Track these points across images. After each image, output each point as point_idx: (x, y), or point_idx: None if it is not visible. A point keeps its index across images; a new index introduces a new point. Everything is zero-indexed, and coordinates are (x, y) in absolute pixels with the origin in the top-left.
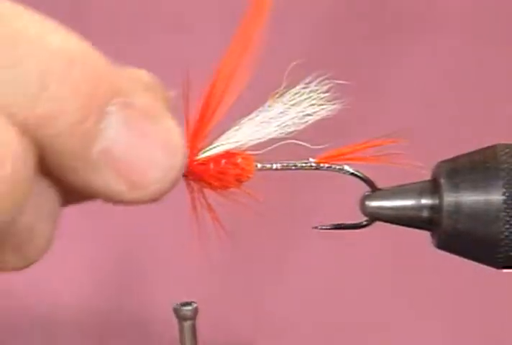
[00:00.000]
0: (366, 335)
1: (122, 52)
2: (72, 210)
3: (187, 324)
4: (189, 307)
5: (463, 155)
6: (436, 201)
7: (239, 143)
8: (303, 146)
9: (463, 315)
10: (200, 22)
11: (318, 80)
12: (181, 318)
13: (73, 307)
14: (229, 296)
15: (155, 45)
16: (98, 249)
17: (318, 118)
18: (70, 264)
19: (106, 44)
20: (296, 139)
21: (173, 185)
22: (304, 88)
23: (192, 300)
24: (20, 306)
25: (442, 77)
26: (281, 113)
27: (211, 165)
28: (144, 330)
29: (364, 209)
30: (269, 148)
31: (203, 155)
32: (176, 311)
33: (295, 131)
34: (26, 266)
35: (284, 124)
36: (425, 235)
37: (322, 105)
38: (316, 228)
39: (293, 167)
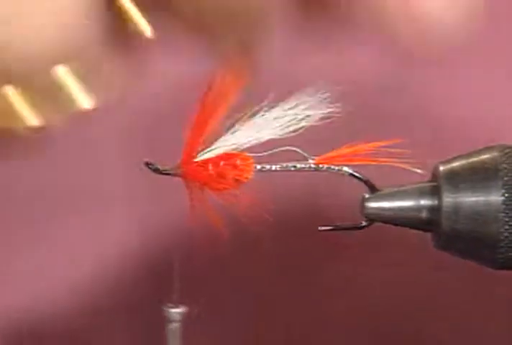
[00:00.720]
0: None
1: None
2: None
3: (173, 326)
4: (178, 310)
5: (462, 156)
6: (436, 202)
7: (238, 145)
8: (302, 147)
9: None
10: None
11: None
12: (169, 321)
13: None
14: (228, 298)
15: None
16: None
17: (315, 120)
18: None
19: None
20: (295, 142)
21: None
22: (304, 91)
23: (181, 303)
24: None
25: (439, 77)
26: (279, 115)
27: (210, 167)
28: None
29: (363, 210)
30: (270, 151)
31: (202, 157)
32: (164, 313)
33: (292, 133)
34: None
35: (282, 126)
36: None
37: (321, 108)
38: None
39: (292, 169)
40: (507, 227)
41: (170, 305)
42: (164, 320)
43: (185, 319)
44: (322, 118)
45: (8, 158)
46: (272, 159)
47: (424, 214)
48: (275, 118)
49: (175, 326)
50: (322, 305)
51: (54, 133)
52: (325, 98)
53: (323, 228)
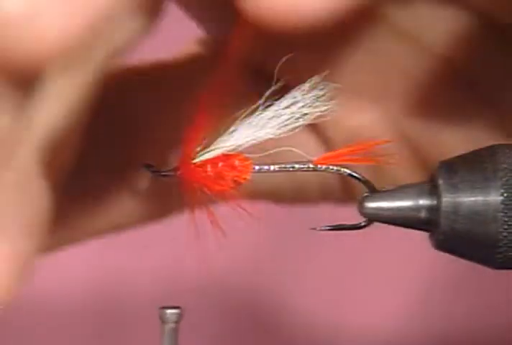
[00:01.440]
0: None
1: None
2: None
3: (168, 327)
4: (173, 311)
5: (461, 156)
6: (434, 202)
7: (236, 145)
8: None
9: None
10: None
11: (313, 82)
12: (164, 322)
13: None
14: (227, 299)
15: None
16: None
17: (313, 119)
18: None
19: None
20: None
21: None
22: (300, 89)
23: (177, 305)
24: None
25: None
26: (276, 114)
27: (209, 168)
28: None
29: (362, 210)
30: (269, 151)
31: (200, 158)
32: (160, 314)
33: (290, 132)
34: None
35: (279, 126)
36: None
37: (317, 106)
38: (314, 229)
39: (291, 169)
40: (506, 227)
41: (166, 305)
42: (160, 321)
43: (182, 320)
44: (319, 117)
45: None
46: (270, 159)
47: (423, 214)
48: (272, 118)
49: (171, 327)
50: (322, 306)
51: None
52: (322, 96)
53: (322, 228)
